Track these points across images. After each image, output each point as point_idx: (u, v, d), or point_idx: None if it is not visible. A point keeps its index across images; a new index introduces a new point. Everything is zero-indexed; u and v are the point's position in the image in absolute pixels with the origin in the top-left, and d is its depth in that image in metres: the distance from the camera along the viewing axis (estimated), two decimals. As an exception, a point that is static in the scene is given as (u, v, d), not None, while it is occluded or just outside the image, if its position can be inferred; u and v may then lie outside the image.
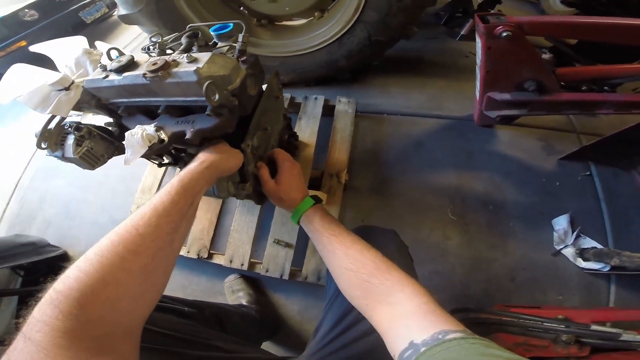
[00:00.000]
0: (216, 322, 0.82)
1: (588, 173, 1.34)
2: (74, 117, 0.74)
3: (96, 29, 3.21)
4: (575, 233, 1.19)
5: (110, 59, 0.69)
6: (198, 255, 1.20)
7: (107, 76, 0.63)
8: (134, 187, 1.39)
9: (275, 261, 1.14)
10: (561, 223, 1.22)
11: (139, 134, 0.58)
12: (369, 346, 0.58)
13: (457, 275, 1.18)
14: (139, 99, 0.66)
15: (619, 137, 1.13)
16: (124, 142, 0.59)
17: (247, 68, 0.69)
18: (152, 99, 0.65)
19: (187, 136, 0.61)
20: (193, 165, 0.56)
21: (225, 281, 1.23)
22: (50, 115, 0.66)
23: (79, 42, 0.73)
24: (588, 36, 1.08)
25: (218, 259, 1.20)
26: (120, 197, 1.52)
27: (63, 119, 0.70)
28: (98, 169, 0.77)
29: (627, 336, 0.72)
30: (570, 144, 1.42)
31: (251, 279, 1.24)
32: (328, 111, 1.47)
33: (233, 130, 0.68)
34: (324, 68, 1.58)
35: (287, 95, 1.47)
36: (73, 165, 0.74)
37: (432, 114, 1.58)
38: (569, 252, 1.17)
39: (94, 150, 0.71)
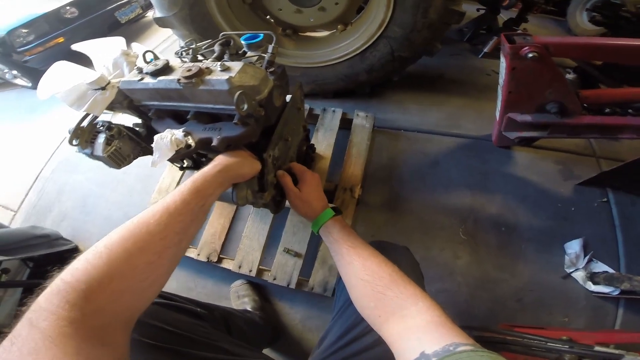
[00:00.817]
0: (224, 324, 0.82)
1: (605, 199, 1.31)
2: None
3: (129, 29, 3.31)
4: (587, 257, 1.17)
5: (145, 61, 0.71)
6: (208, 258, 1.21)
7: (142, 78, 0.65)
8: (151, 187, 1.41)
9: (284, 269, 1.14)
10: (574, 247, 1.20)
11: (168, 138, 0.60)
12: (375, 358, 0.58)
13: (463, 294, 1.17)
14: (170, 103, 0.68)
15: (639, 164, 1.11)
16: (152, 145, 0.61)
17: (274, 79, 0.70)
18: (182, 104, 0.67)
19: (214, 143, 0.63)
20: (207, 169, 0.57)
21: (232, 286, 1.24)
22: (84, 113, 0.69)
23: (117, 43, 0.75)
24: (615, 59, 1.07)
25: (227, 264, 1.21)
26: (137, 195, 1.55)
27: (95, 117, 0.72)
28: (117, 167, 0.79)
29: (630, 357, 0.70)
30: (588, 169, 1.40)
31: (257, 286, 1.24)
32: (345, 124, 1.47)
33: (256, 140, 0.69)
34: (344, 81, 1.59)
35: (305, 106, 1.48)
36: (94, 161, 0.75)
37: (450, 132, 1.58)
38: (579, 275, 1.15)
39: (121, 150, 0.73)
